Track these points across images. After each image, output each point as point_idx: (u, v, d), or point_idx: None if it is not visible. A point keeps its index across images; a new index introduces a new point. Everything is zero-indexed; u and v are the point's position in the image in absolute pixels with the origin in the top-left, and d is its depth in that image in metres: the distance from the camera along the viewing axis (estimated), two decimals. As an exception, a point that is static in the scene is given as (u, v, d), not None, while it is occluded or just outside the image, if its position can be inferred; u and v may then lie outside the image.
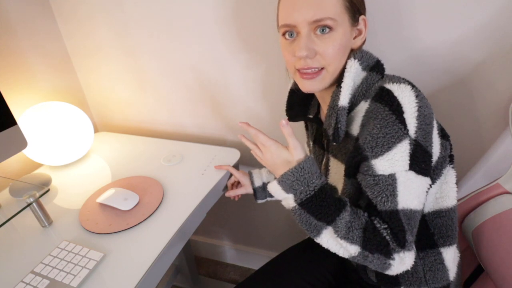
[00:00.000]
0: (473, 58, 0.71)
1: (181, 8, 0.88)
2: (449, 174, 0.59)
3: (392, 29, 0.73)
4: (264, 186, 0.84)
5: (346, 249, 0.53)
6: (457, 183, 0.60)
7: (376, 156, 0.50)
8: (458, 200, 0.72)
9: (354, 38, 0.57)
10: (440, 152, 0.55)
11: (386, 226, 0.51)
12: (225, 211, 1.29)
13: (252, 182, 0.84)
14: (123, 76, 1.09)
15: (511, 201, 0.66)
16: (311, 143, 0.75)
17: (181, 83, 1.03)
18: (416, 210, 0.52)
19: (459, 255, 0.63)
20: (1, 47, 0.88)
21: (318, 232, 0.54)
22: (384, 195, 0.51)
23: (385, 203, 0.51)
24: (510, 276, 0.60)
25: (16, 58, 0.93)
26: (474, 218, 0.70)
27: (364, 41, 0.59)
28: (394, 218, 0.51)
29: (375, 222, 0.52)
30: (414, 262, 0.58)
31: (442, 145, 0.56)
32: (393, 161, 0.50)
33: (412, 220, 0.52)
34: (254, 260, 1.40)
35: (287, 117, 0.73)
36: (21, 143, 0.73)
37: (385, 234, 0.51)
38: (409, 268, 0.53)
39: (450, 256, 0.61)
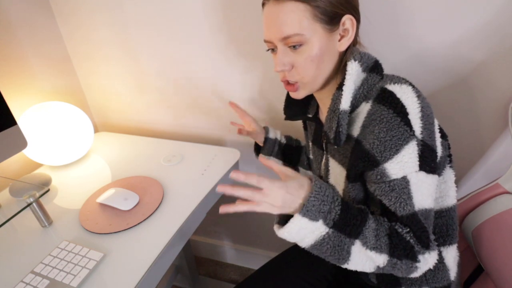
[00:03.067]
0: (473, 58, 0.72)
1: (181, 8, 0.88)
2: (448, 174, 0.59)
3: (392, 29, 0.73)
4: (276, 141, 0.84)
5: (374, 261, 0.50)
6: (456, 183, 0.60)
7: (386, 160, 0.50)
8: (458, 200, 0.72)
9: (340, 39, 0.55)
10: (442, 152, 0.55)
11: (408, 229, 0.51)
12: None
13: (266, 132, 0.84)
14: (123, 76, 1.09)
15: (511, 201, 0.66)
16: (310, 143, 0.75)
17: (181, 83, 1.03)
18: (430, 208, 0.52)
19: (458, 254, 0.63)
20: (1, 47, 0.88)
21: (348, 253, 0.50)
22: (402, 199, 0.50)
23: (404, 207, 0.51)
24: (510, 276, 0.60)
25: (16, 58, 0.93)
26: (474, 218, 0.70)
27: (354, 40, 0.57)
28: (415, 220, 0.51)
29: (396, 227, 0.52)
30: None
31: (442, 144, 0.56)
32: (402, 163, 0.50)
33: (428, 219, 0.52)
34: (254, 260, 1.40)
35: (284, 116, 0.73)
36: (21, 143, 0.73)
37: (408, 238, 0.51)
38: (431, 267, 0.53)
39: (451, 255, 0.61)
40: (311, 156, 0.77)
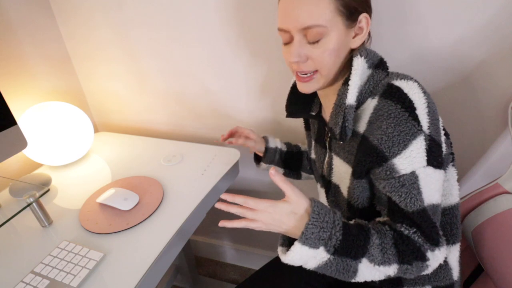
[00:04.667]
0: (473, 58, 0.72)
1: (181, 8, 0.88)
2: (450, 172, 0.59)
3: (394, 28, 0.73)
4: (277, 149, 0.84)
5: (384, 273, 0.50)
6: (457, 181, 0.60)
7: (394, 155, 0.50)
8: (459, 200, 0.72)
9: (354, 37, 0.56)
10: (445, 149, 0.55)
11: (415, 230, 0.51)
12: (225, 211, 1.29)
13: (266, 141, 0.84)
14: (123, 76, 1.09)
15: (510, 201, 0.66)
16: (313, 141, 0.75)
17: (181, 83, 1.03)
18: (438, 204, 0.52)
19: (459, 254, 0.63)
20: (1, 47, 0.88)
21: (355, 272, 0.50)
22: (413, 195, 0.50)
23: (415, 203, 0.50)
24: (510, 276, 0.60)
25: (16, 58, 0.93)
26: (474, 218, 0.70)
27: (368, 39, 0.59)
28: (425, 216, 0.51)
29: (402, 229, 0.51)
30: None
31: (445, 142, 0.56)
32: (411, 158, 0.50)
33: (436, 214, 0.52)
34: (254, 260, 1.40)
35: (286, 113, 0.73)
36: (21, 143, 0.73)
37: (416, 237, 0.51)
38: (442, 262, 0.53)
39: (454, 255, 0.61)
40: (313, 156, 0.77)
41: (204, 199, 0.76)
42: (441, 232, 0.52)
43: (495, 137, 0.68)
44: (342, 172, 0.62)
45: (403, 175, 0.50)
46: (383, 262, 0.49)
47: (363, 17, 0.54)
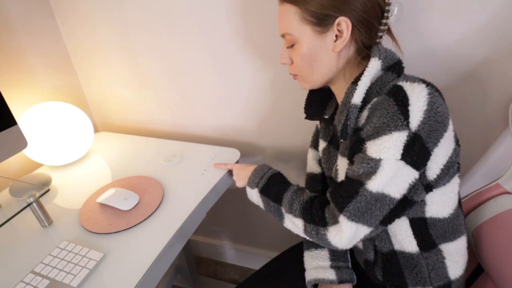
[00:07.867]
0: (473, 58, 0.72)
1: (181, 8, 0.88)
2: (455, 182, 0.57)
3: (393, 27, 0.73)
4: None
5: (296, 224, 0.61)
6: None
7: (369, 138, 0.52)
8: (458, 200, 0.72)
9: (336, 40, 0.55)
10: (450, 157, 0.53)
11: (332, 190, 0.56)
12: (225, 211, 1.29)
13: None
14: (123, 76, 1.09)
15: (511, 201, 0.66)
16: (325, 144, 0.74)
17: (181, 83, 1.03)
18: (388, 195, 0.51)
19: (462, 251, 0.62)
20: (1, 47, 0.88)
21: (281, 215, 0.65)
22: (362, 169, 0.51)
23: (358, 173, 0.52)
24: (510, 276, 0.60)
25: (16, 58, 0.93)
26: (474, 218, 0.70)
27: (346, 41, 0.55)
28: (352, 185, 0.52)
29: (328, 192, 0.58)
30: (418, 261, 0.58)
31: (455, 150, 0.54)
32: (382, 147, 0.49)
33: (379, 203, 0.51)
34: (254, 260, 1.40)
35: (304, 115, 0.74)
36: (21, 143, 0.73)
37: (328, 197, 0.57)
38: (344, 238, 0.53)
39: (454, 251, 0.60)
40: (322, 159, 0.76)
41: (204, 199, 0.76)
42: (352, 209, 0.51)
43: (495, 137, 0.68)
44: (343, 168, 0.62)
45: (369, 156, 0.51)
46: (290, 211, 0.62)
47: (341, 20, 0.53)
